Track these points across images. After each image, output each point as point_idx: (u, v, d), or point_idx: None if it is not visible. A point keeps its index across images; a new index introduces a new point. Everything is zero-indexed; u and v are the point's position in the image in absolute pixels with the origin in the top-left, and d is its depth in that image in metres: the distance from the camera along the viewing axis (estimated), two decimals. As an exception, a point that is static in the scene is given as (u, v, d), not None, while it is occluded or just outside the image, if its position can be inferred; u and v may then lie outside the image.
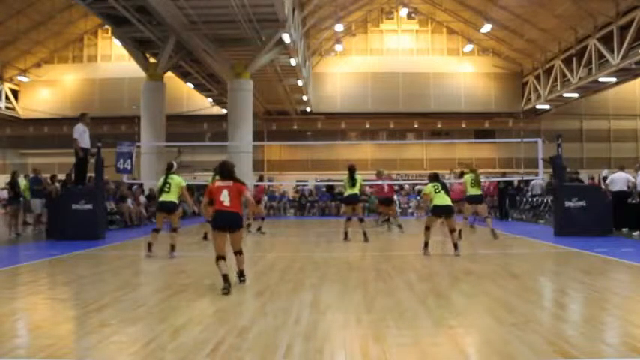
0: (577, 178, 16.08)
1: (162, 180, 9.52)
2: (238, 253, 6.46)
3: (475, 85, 35.83)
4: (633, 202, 13.26)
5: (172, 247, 9.28)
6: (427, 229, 9.45)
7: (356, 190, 11.78)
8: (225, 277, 6.04)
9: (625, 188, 13.28)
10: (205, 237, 11.87)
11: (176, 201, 9.48)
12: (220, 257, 6.16)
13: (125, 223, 16.77)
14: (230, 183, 6.29)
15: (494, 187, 19.88)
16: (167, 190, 9.31)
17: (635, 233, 12.18)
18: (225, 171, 6.40)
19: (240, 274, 6.61)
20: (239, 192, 6.31)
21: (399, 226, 14.54)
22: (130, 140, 15.92)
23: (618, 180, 13.48)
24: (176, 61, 26.27)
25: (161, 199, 9.42)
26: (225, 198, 6.20)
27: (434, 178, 9.66)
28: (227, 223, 6.24)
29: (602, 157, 34.06)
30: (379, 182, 14.96)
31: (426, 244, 9.44)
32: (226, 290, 5.90)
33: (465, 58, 36.02)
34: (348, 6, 31.25)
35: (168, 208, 9.35)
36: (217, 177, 6.65)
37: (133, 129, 30.79)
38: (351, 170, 11.86)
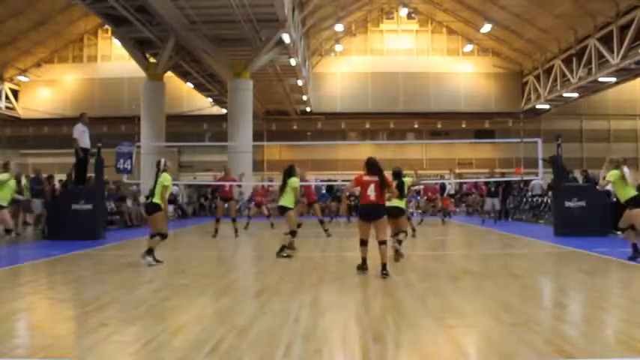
0: (572, 178, 16.03)
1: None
2: None
3: (475, 85, 35.83)
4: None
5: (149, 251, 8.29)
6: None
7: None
8: None
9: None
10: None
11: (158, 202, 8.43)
12: None
13: (125, 223, 16.78)
14: None
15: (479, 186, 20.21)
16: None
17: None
18: None
19: None
20: None
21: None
22: (130, 140, 15.93)
23: None
24: (176, 61, 26.28)
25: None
26: None
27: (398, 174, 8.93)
28: None
29: (602, 157, 33.85)
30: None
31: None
32: None
33: (465, 58, 36.02)
34: (348, 6, 31.25)
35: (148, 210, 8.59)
36: None
37: (133, 129, 30.80)
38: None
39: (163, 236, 8.33)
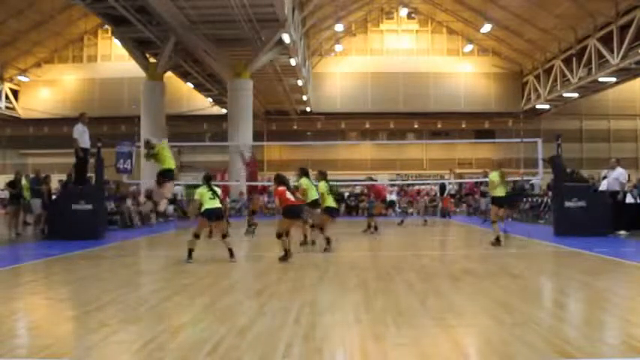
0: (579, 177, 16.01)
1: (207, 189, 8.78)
2: None
3: (475, 85, 35.84)
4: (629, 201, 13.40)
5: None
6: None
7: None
8: None
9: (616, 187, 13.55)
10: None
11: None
12: None
13: (125, 223, 16.77)
14: None
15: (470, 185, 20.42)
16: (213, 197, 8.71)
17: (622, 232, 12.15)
18: None
19: None
20: None
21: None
22: (130, 140, 15.94)
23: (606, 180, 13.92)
24: (176, 61, 26.30)
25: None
26: None
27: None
28: None
29: (602, 157, 34.05)
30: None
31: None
32: None
33: (465, 58, 36.03)
34: (348, 6, 31.27)
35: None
36: None
37: (133, 129, 30.78)
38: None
39: (198, 236, 8.73)
